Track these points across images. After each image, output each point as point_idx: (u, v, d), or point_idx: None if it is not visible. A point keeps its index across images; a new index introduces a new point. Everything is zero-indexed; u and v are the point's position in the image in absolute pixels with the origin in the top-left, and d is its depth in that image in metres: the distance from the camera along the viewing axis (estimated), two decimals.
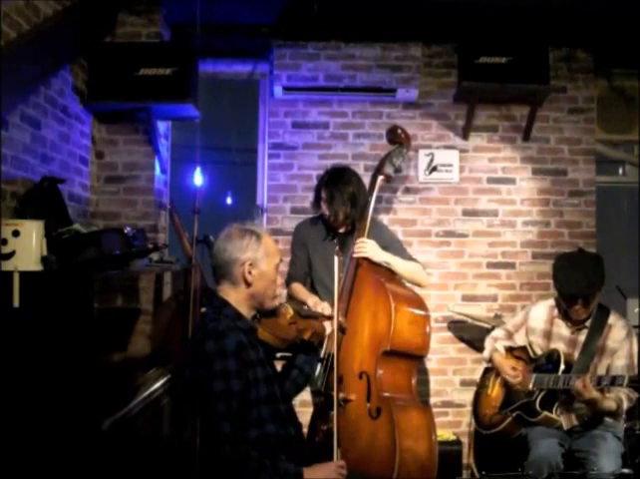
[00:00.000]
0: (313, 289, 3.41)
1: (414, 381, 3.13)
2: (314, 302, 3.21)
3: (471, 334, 4.45)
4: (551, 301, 3.40)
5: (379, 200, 4.34)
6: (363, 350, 3.07)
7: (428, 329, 3.15)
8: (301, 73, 4.27)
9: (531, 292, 4.48)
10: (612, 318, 3.24)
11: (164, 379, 2.99)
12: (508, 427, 3.31)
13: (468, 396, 4.19)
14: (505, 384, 3.39)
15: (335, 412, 2.63)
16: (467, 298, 4.49)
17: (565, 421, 3.19)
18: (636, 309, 4.41)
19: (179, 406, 3.06)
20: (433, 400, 4.41)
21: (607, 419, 3.18)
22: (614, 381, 2.99)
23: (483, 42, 4.18)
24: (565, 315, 3.28)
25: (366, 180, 3.48)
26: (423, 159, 4.48)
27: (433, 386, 4.45)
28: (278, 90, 4.31)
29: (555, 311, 3.34)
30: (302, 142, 4.45)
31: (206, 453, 2.21)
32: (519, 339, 3.44)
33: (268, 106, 4.50)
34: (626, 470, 3.05)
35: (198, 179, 3.47)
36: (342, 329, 2.92)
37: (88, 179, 3.75)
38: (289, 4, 3.89)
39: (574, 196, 4.54)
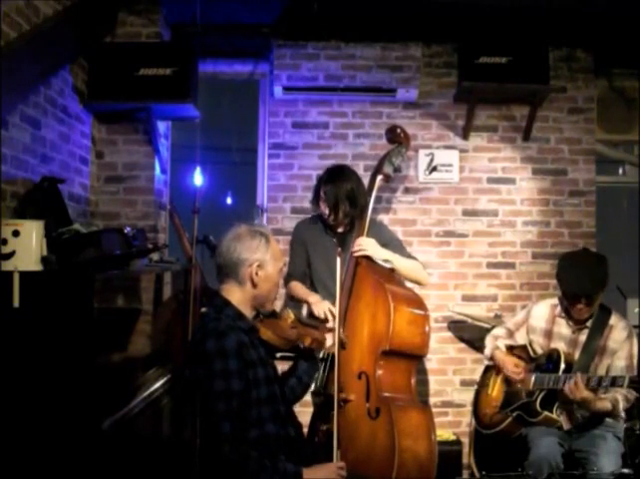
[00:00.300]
0: (312, 289, 3.41)
1: (413, 381, 3.12)
2: (315, 301, 3.22)
3: (471, 334, 4.45)
4: (553, 300, 3.40)
5: (379, 199, 4.34)
6: (362, 350, 3.07)
7: (427, 329, 3.14)
8: (301, 73, 4.27)
9: (531, 292, 4.48)
10: (613, 319, 3.24)
11: (164, 379, 2.99)
12: (509, 427, 3.31)
13: (468, 396, 4.19)
14: (506, 384, 3.40)
15: (335, 413, 2.63)
16: (467, 298, 4.49)
17: (565, 421, 3.18)
18: (636, 309, 4.41)
19: (179, 406, 3.06)
20: (433, 400, 4.41)
21: (607, 419, 3.18)
22: (615, 382, 2.99)
23: (483, 42, 4.18)
24: (567, 314, 3.28)
25: (366, 180, 3.48)
26: (423, 159, 4.49)
27: (433, 386, 4.45)
28: (278, 90, 4.31)
29: (557, 311, 3.34)
30: (302, 142, 4.45)
31: (206, 453, 2.21)
32: (520, 338, 3.44)
33: (268, 106, 4.50)
34: (626, 470, 3.04)
35: (198, 179, 3.48)
36: (342, 344, 2.91)
37: (88, 179, 3.75)
38: (289, 4, 3.89)
39: (574, 196, 4.54)
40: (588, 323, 3.24)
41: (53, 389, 2.25)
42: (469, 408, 4.08)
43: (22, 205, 2.83)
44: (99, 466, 2.25)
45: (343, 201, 3.22)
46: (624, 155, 4.97)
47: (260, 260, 2.30)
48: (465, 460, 4.15)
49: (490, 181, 4.53)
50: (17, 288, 2.25)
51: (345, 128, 4.48)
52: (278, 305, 3.77)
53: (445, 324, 4.47)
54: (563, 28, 4.19)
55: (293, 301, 3.55)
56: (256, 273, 2.29)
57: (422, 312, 3.16)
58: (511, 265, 4.51)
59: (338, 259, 2.79)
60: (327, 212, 3.28)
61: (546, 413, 3.14)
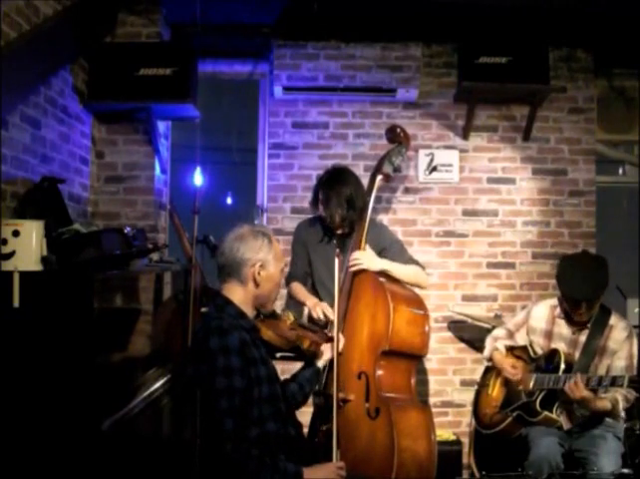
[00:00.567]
0: (313, 290, 3.41)
1: (413, 381, 3.12)
2: (313, 304, 3.22)
3: (471, 334, 4.45)
4: (553, 301, 3.40)
5: (379, 200, 4.34)
6: (362, 350, 3.07)
7: (427, 329, 3.14)
8: (301, 73, 4.27)
9: (531, 292, 4.48)
10: (613, 319, 3.24)
11: (164, 379, 2.99)
12: (509, 427, 3.31)
13: (468, 396, 4.19)
14: (506, 384, 3.40)
15: (335, 413, 2.63)
16: (467, 298, 4.49)
17: (565, 421, 3.18)
18: (636, 309, 4.41)
19: (180, 406, 3.06)
20: (433, 400, 4.41)
21: (607, 419, 3.18)
22: (614, 382, 2.99)
23: (483, 42, 4.18)
24: (567, 315, 3.28)
25: (365, 180, 3.48)
26: (423, 159, 4.49)
27: (433, 386, 4.45)
28: (278, 90, 4.31)
29: (557, 311, 3.34)
30: (302, 142, 4.45)
31: (207, 451, 2.21)
32: (520, 339, 3.44)
33: (268, 106, 4.50)
34: (626, 470, 3.04)
35: (198, 179, 3.47)
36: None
37: (88, 179, 3.75)
38: (289, 4, 3.89)
39: (574, 196, 4.54)
40: (588, 324, 3.24)
41: (53, 389, 2.25)
42: (469, 408, 4.08)
43: (22, 205, 2.83)
44: (99, 466, 2.25)
45: (342, 205, 3.20)
46: (624, 155, 4.98)
47: (263, 260, 2.31)
48: (465, 460, 4.15)
49: (490, 181, 4.53)
50: (17, 288, 2.25)
51: (345, 128, 4.48)
52: (279, 306, 3.76)
53: (445, 324, 4.47)
54: (563, 28, 4.19)
55: (293, 302, 3.56)
56: (259, 273, 2.30)
57: (421, 312, 3.17)
58: (511, 265, 4.51)
59: (336, 261, 2.79)
60: (325, 215, 3.27)
61: (546, 413, 3.14)
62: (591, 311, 3.19)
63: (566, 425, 3.18)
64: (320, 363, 2.67)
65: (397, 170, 3.52)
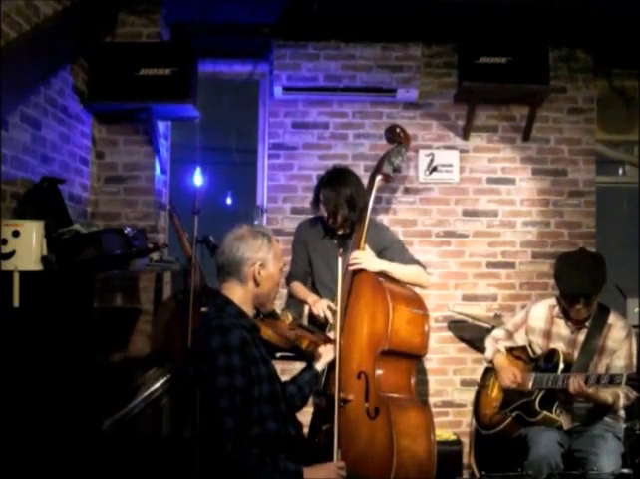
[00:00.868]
0: (314, 289, 3.42)
1: (412, 381, 3.12)
2: (313, 301, 3.23)
3: (471, 334, 4.45)
4: (552, 301, 3.40)
5: (379, 199, 4.34)
6: (361, 350, 3.07)
7: (426, 329, 3.14)
8: (301, 73, 4.27)
9: (531, 292, 4.48)
10: (612, 318, 3.24)
11: (164, 379, 2.99)
12: (508, 427, 3.31)
13: (468, 396, 4.19)
14: None
15: (335, 413, 2.63)
16: (467, 298, 4.49)
17: (565, 421, 3.18)
18: (636, 309, 4.40)
19: (180, 406, 3.06)
20: (433, 400, 4.41)
21: (607, 419, 3.18)
22: (613, 380, 2.99)
23: (483, 42, 4.18)
24: (566, 315, 3.28)
25: (365, 180, 3.48)
26: (423, 159, 4.49)
27: (433, 386, 4.45)
28: (278, 90, 4.31)
29: (555, 311, 3.34)
30: (302, 142, 4.46)
31: (207, 451, 2.21)
32: (520, 339, 3.44)
33: (268, 106, 4.50)
34: (626, 470, 3.04)
35: (198, 179, 3.48)
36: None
37: (88, 179, 3.75)
38: (289, 4, 3.89)
39: (574, 196, 4.54)
40: (587, 323, 3.24)
41: (53, 389, 2.25)
42: (469, 408, 4.08)
43: (22, 205, 2.83)
44: (99, 466, 2.25)
45: (342, 205, 3.21)
46: (624, 155, 4.97)
47: (263, 260, 2.32)
48: (465, 460, 4.15)
49: (490, 181, 4.53)
50: (17, 288, 2.25)
51: (345, 128, 4.48)
52: (279, 306, 3.77)
53: (445, 324, 4.47)
54: (563, 28, 4.19)
55: (293, 301, 3.56)
56: (259, 273, 2.31)
57: (421, 312, 3.16)
58: (511, 265, 4.51)
59: (339, 261, 2.79)
60: (326, 214, 3.28)
61: (546, 413, 3.14)
62: (589, 309, 3.19)
63: (566, 425, 3.18)
64: (319, 366, 2.67)
65: (396, 170, 3.52)
